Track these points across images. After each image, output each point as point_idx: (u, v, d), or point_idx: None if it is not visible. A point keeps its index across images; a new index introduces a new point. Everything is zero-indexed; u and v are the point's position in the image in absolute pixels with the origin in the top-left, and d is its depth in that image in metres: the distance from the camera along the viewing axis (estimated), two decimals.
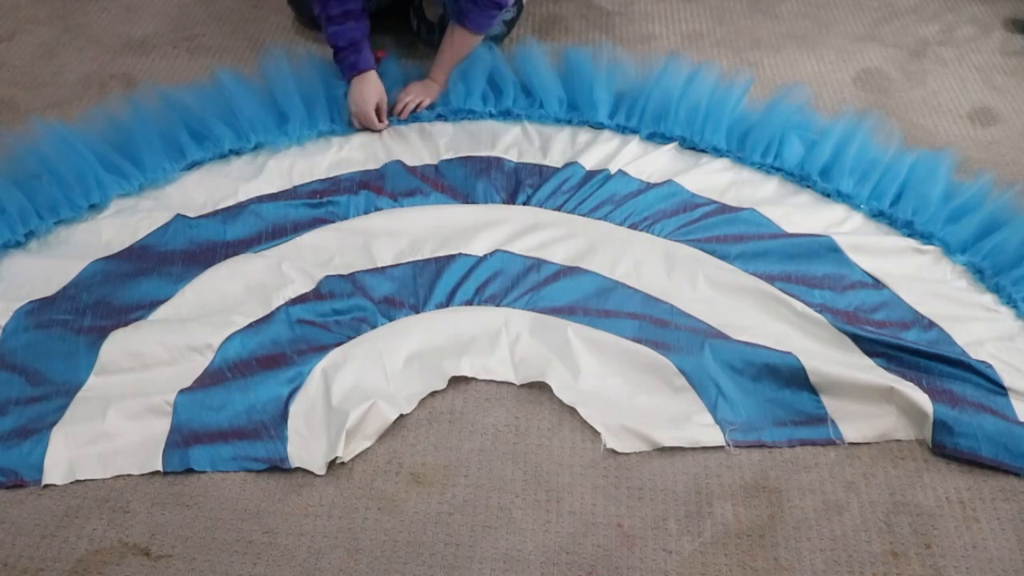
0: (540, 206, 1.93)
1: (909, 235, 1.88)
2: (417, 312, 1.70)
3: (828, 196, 1.98)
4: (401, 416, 1.52)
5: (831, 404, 1.54)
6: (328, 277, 1.74)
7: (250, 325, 1.65)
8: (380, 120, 2.12)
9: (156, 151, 1.99)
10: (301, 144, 2.08)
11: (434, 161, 2.05)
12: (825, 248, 1.82)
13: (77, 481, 1.43)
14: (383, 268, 1.78)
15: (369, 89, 2.10)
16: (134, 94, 2.16)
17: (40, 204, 1.85)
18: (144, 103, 2.10)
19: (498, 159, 2.05)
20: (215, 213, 1.90)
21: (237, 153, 2.05)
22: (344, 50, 2.11)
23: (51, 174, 1.89)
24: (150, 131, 2.02)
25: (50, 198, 1.86)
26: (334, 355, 1.60)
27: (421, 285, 1.75)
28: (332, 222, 1.88)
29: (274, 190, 1.96)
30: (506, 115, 2.18)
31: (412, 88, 2.19)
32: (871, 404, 1.53)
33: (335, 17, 2.09)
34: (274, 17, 2.62)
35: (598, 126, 2.15)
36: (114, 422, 1.48)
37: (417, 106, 2.17)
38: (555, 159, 2.06)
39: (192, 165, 2.02)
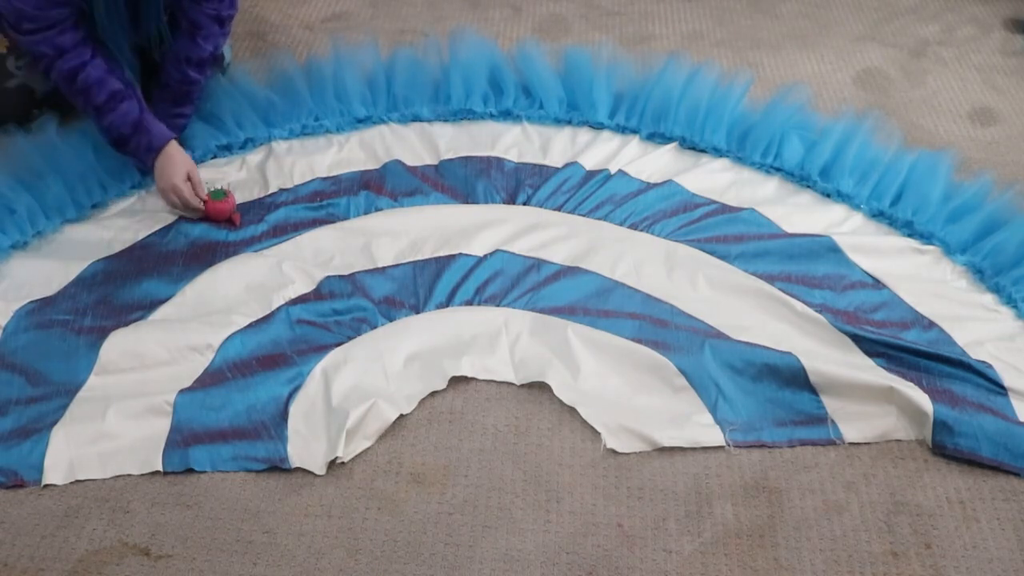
0: (540, 206, 1.93)
1: (909, 235, 1.88)
2: (417, 312, 1.70)
3: (828, 196, 1.98)
4: (401, 416, 1.52)
5: (831, 404, 1.54)
6: (328, 277, 1.74)
7: (250, 325, 1.65)
8: (197, 194, 1.86)
9: None
10: (301, 139, 2.09)
11: (434, 161, 2.05)
12: (825, 248, 1.83)
13: (77, 481, 1.42)
14: (383, 268, 1.78)
15: (175, 164, 1.86)
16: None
17: (47, 205, 1.85)
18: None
19: (498, 159, 2.05)
20: None
21: (229, 149, 2.05)
22: (132, 137, 1.85)
23: (56, 175, 1.89)
24: None
25: (57, 199, 1.86)
26: (334, 355, 1.60)
27: (421, 285, 1.75)
28: (332, 222, 1.88)
29: (274, 190, 1.96)
30: (506, 115, 2.18)
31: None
32: (871, 404, 1.53)
33: (103, 105, 1.83)
34: (274, 17, 2.62)
35: (598, 126, 2.15)
36: (114, 422, 1.48)
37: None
38: (555, 159, 2.06)
39: None
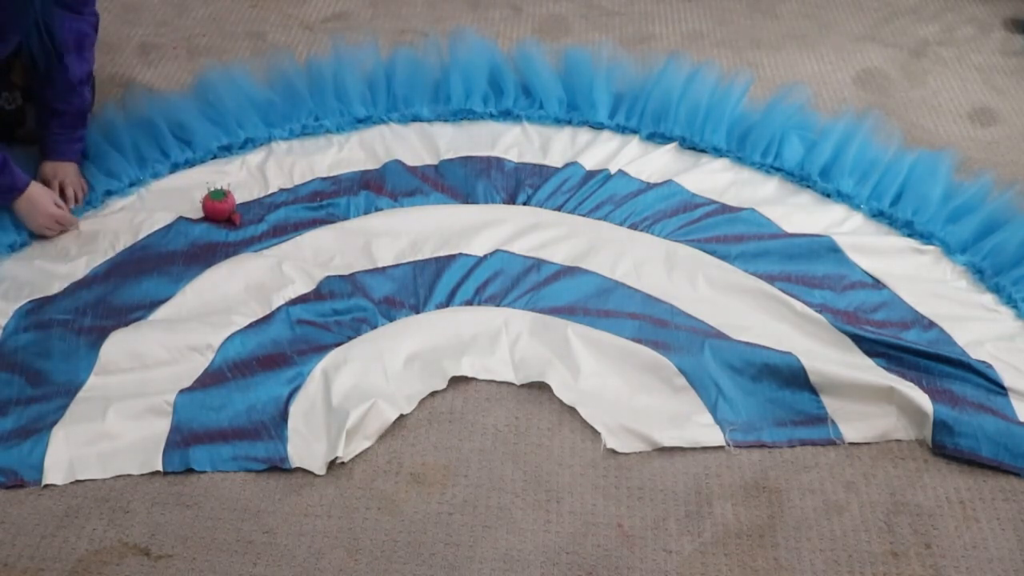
0: (540, 206, 1.93)
1: (909, 235, 1.88)
2: (417, 312, 1.70)
3: (828, 196, 1.98)
4: (401, 416, 1.52)
5: (831, 404, 1.54)
6: (328, 277, 1.74)
7: (250, 325, 1.65)
8: (69, 211, 1.84)
9: (150, 150, 2.00)
10: (301, 139, 2.09)
11: (434, 161, 2.05)
12: (825, 248, 1.83)
13: (77, 481, 1.42)
14: (383, 268, 1.78)
15: (41, 201, 1.79)
16: (128, 95, 2.16)
17: None
18: (137, 105, 2.10)
19: (498, 159, 2.05)
20: None
21: (229, 149, 2.05)
22: None
23: None
24: (141, 131, 2.03)
25: None
26: (334, 355, 1.60)
27: (421, 285, 1.75)
28: (332, 222, 1.88)
29: (274, 190, 1.96)
30: (506, 115, 2.18)
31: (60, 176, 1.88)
32: (871, 404, 1.53)
33: None
34: (274, 17, 2.62)
35: (598, 126, 2.15)
36: (114, 422, 1.48)
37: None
38: (555, 159, 2.06)
39: (188, 164, 2.02)
